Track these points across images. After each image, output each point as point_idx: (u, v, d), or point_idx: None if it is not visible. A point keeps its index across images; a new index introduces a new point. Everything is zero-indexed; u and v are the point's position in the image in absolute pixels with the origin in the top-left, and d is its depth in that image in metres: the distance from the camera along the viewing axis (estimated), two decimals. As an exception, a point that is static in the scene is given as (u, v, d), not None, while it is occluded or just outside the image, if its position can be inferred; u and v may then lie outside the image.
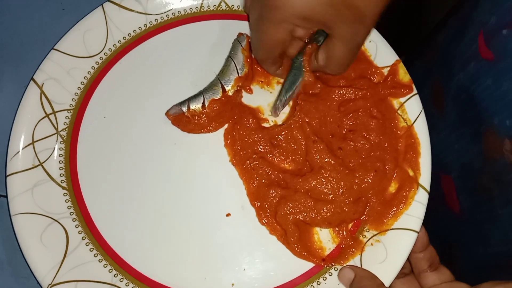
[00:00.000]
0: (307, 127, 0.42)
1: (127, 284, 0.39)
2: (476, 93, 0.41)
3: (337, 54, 0.38)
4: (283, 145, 0.42)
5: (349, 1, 0.34)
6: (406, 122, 0.43)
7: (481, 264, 0.44)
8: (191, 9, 0.46)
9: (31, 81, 0.43)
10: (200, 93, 0.43)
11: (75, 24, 0.45)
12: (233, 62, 0.43)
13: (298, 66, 0.42)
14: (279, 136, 0.42)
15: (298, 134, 0.42)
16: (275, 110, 0.43)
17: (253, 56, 0.42)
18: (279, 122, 0.44)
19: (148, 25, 0.46)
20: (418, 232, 0.39)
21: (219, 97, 0.42)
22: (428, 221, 0.41)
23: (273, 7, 0.35)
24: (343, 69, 0.41)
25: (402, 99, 0.43)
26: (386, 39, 0.45)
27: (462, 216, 0.47)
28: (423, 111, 0.42)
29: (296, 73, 0.42)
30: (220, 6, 0.47)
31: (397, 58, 0.44)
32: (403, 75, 0.44)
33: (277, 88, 0.45)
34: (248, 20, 0.41)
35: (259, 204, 0.41)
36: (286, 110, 0.44)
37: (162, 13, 0.46)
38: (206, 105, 0.42)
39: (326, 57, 0.39)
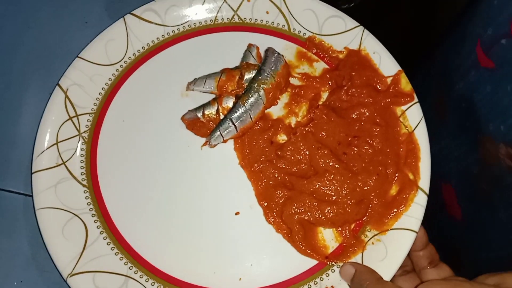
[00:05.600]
0: (311, 137, 0.44)
1: (141, 276, 0.41)
2: (475, 101, 0.43)
3: None
4: (288, 156, 0.44)
5: None
6: (407, 129, 0.45)
7: (485, 270, 0.45)
8: (206, 21, 0.50)
9: (57, 87, 0.46)
10: (214, 99, 0.46)
11: (98, 34, 0.48)
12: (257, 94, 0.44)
13: (256, 90, 0.43)
14: (285, 151, 0.44)
15: (301, 144, 0.44)
16: (214, 139, 0.44)
17: None
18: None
19: (166, 36, 0.49)
20: (417, 232, 0.41)
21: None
22: (432, 230, 0.43)
23: None
24: None
25: (404, 107, 0.46)
26: (391, 52, 0.47)
27: (465, 223, 0.48)
28: (423, 119, 0.45)
29: (258, 100, 0.43)
30: (233, 19, 0.50)
31: (399, 68, 0.46)
32: (405, 84, 0.46)
33: (283, 98, 0.47)
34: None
35: (266, 204, 0.43)
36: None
37: (179, 25, 0.49)
38: (220, 110, 0.45)
39: None
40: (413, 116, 0.45)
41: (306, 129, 0.44)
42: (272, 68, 0.45)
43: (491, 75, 0.40)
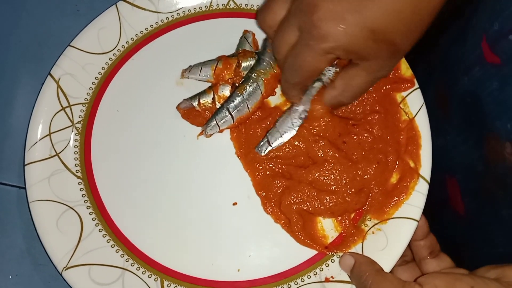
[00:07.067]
0: (305, 131, 0.42)
1: (138, 269, 0.40)
2: (481, 97, 0.41)
3: (358, 83, 0.38)
4: (286, 150, 0.43)
5: (391, 38, 0.34)
6: (407, 116, 0.44)
7: (486, 265, 0.44)
8: (200, 8, 0.48)
9: (49, 76, 0.45)
10: (210, 88, 0.45)
11: (90, 22, 0.47)
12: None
13: (255, 80, 0.42)
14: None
15: (295, 141, 0.42)
16: (210, 129, 0.43)
17: (282, 79, 0.41)
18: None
19: (160, 23, 0.48)
20: (418, 221, 0.40)
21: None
22: (435, 224, 0.42)
23: (319, 37, 0.34)
24: (357, 99, 0.41)
25: (404, 93, 0.44)
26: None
27: (467, 218, 0.47)
28: (424, 105, 0.44)
29: (256, 89, 0.42)
30: (229, 5, 0.48)
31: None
32: (405, 70, 0.45)
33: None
34: (270, 38, 0.40)
35: (264, 194, 0.42)
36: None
37: (173, 12, 0.48)
38: (216, 100, 0.44)
39: (344, 84, 0.38)
40: (413, 102, 0.44)
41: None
42: (272, 58, 0.43)
43: (498, 71, 0.39)
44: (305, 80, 0.39)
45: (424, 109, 0.43)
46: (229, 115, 0.43)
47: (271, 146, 0.42)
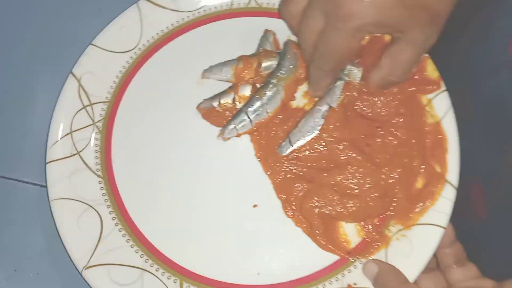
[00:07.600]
0: (325, 134, 0.42)
1: (157, 270, 0.40)
2: (510, 101, 0.40)
3: (405, 58, 0.36)
4: (307, 153, 0.42)
5: (422, 2, 0.33)
6: (434, 119, 0.43)
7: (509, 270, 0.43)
8: (221, 7, 0.48)
9: (70, 75, 0.45)
10: (230, 88, 0.44)
11: (111, 21, 0.47)
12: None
13: (275, 85, 0.41)
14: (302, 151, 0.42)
15: (316, 143, 0.42)
16: (228, 133, 0.42)
17: (314, 68, 0.40)
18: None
19: (180, 21, 0.47)
20: (444, 228, 0.39)
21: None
22: (457, 229, 0.41)
23: (345, 16, 0.33)
24: (408, 75, 0.39)
25: (430, 96, 0.43)
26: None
27: (489, 223, 0.46)
28: (451, 108, 0.42)
29: (276, 94, 0.42)
30: (250, 4, 0.48)
31: (425, 54, 0.44)
32: (431, 71, 0.43)
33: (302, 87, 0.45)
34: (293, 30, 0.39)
35: (285, 197, 0.41)
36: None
37: (193, 10, 0.47)
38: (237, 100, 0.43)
39: (392, 62, 0.37)
40: (440, 105, 0.43)
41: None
42: (292, 63, 0.43)
43: None
44: (339, 64, 0.38)
45: (451, 112, 0.42)
46: (248, 119, 0.42)
47: (292, 146, 0.42)
